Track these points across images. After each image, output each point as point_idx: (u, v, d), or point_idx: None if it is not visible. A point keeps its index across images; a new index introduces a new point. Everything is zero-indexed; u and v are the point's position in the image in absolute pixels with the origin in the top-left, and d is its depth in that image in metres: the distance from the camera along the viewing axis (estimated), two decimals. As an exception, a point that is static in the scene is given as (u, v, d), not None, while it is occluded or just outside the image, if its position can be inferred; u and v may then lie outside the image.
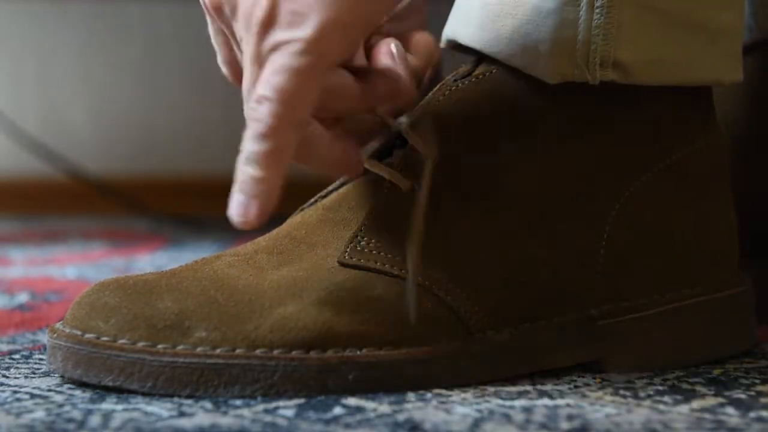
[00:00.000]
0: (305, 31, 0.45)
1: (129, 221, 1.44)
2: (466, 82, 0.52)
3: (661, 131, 0.53)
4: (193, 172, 1.61)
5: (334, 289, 0.49)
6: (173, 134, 1.63)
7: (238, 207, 0.46)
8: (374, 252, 0.50)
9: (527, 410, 0.45)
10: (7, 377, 0.51)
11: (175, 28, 1.61)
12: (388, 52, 0.50)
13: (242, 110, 0.57)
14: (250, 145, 0.46)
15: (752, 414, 0.45)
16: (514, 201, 0.51)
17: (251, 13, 0.46)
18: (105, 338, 0.47)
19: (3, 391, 0.48)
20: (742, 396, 0.48)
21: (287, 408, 0.45)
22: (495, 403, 0.46)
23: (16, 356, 0.56)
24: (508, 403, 0.46)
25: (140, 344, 0.47)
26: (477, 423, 0.43)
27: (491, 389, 0.49)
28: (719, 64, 0.53)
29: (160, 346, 0.47)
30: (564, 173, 0.51)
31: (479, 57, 0.53)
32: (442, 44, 0.55)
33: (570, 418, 0.44)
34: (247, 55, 0.47)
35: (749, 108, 0.70)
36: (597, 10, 0.49)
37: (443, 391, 0.48)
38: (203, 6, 0.50)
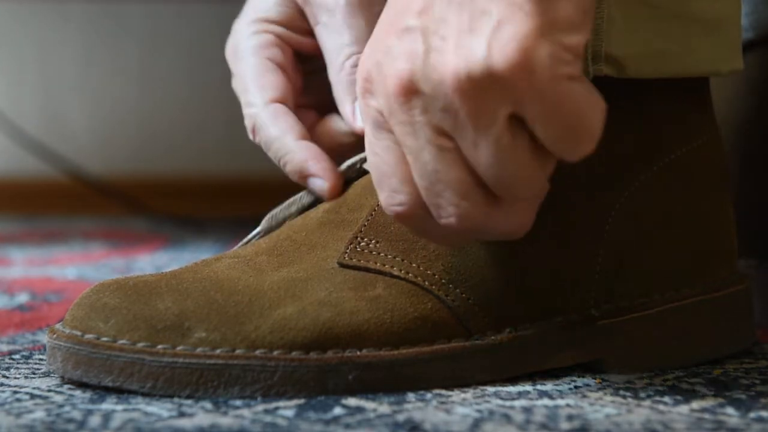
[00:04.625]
0: None
1: (129, 221, 1.44)
2: None
3: (660, 129, 0.53)
4: (193, 172, 1.61)
5: (333, 289, 0.49)
6: (173, 134, 1.63)
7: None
8: (374, 253, 0.50)
9: (527, 410, 0.45)
10: (7, 377, 0.51)
11: (175, 28, 1.61)
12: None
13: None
14: None
15: (752, 414, 0.45)
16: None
17: None
18: (105, 339, 0.47)
19: (3, 392, 0.48)
20: (742, 396, 0.48)
21: (287, 408, 0.45)
22: (495, 403, 0.46)
23: (16, 356, 0.56)
24: (508, 403, 0.46)
25: (140, 345, 0.47)
26: (477, 423, 0.43)
27: (491, 389, 0.49)
28: (716, 54, 0.52)
29: (159, 347, 0.47)
30: (563, 173, 0.51)
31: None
32: None
33: (570, 418, 0.44)
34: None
35: (747, 108, 0.70)
36: None
37: (443, 391, 0.48)
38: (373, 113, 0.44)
